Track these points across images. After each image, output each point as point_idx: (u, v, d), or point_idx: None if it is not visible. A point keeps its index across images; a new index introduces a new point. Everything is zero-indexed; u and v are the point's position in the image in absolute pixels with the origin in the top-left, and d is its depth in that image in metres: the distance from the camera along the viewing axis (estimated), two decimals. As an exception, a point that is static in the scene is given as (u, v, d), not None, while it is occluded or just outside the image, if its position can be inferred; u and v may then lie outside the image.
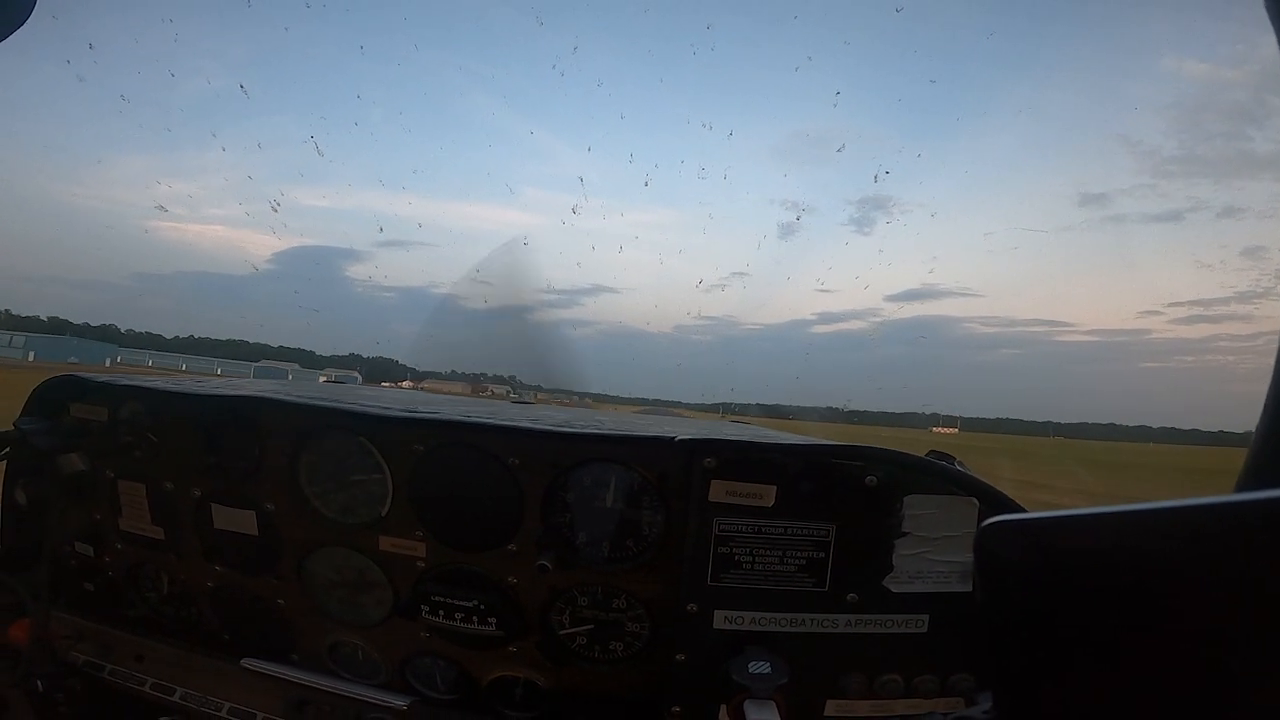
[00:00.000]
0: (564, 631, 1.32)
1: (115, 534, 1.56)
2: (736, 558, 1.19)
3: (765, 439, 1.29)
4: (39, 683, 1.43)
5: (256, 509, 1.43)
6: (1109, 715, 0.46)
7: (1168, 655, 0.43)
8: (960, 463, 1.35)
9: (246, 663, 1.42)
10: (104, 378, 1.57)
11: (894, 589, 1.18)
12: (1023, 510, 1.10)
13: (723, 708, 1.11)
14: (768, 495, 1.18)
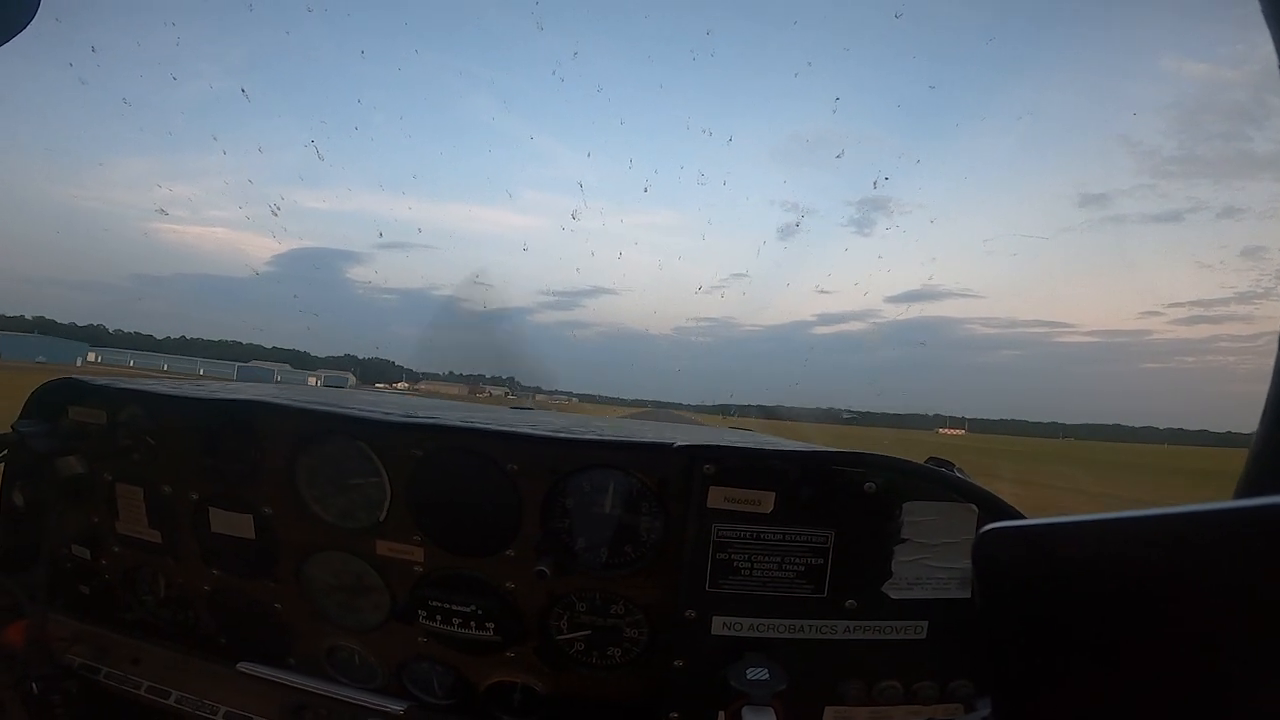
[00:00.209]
0: (562, 637, 1.32)
1: (112, 537, 1.56)
2: (735, 564, 1.19)
3: (764, 445, 1.29)
4: (35, 685, 1.42)
5: (254, 513, 1.43)
6: None
7: (1166, 661, 0.43)
8: (959, 469, 1.35)
9: (243, 666, 1.41)
10: (103, 381, 1.57)
11: (893, 595, 1.18)
12: (1021, 517, 1.10)
13: (721, 714, 1.11)
14: (766, 501, 1.18)
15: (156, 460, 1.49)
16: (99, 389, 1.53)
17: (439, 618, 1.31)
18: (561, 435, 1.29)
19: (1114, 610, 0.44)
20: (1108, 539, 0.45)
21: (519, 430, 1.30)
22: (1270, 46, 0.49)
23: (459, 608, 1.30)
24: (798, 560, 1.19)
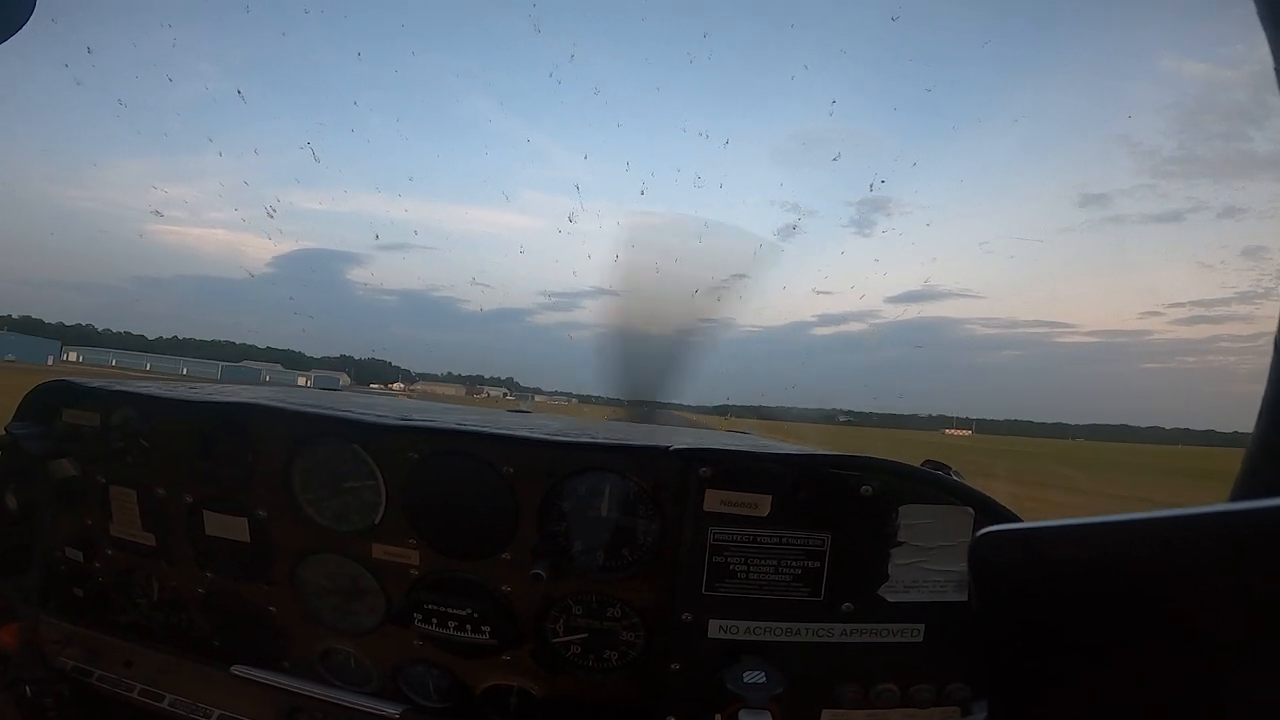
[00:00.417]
0: (558, 640, 1.31)
1: (106, 539, 1.55)
2: (732, 567, 1.19)
3: (761, 448, 1.29)
4: (27, 688, 1.41)
5: (249, 516, 1.42)
6: None
7: (1162, 664, 0.43)
8: (955, 471, 1.35)
9: (237, 670, 1.40)
10: (97, 383, 1.56)
11: (889, 598, 1.18)
12: (1018, 520, 1.10)
13: (717, 717, 1.11)
14: (763, 505, 1.18)
15: (150, 463, 1.49)
16: (92, 391, 1.53)
17: (434, 621, 1.30)
18: (558, 438, 1.28)
19: (1111, 613, 0.44)
20: (1104, 542, 0.45)
21: (515, 433, 1.29)
22: (1268, 47, 0.49)
23: (455, 611, 1.30)
24: (794, 563, 1.18)
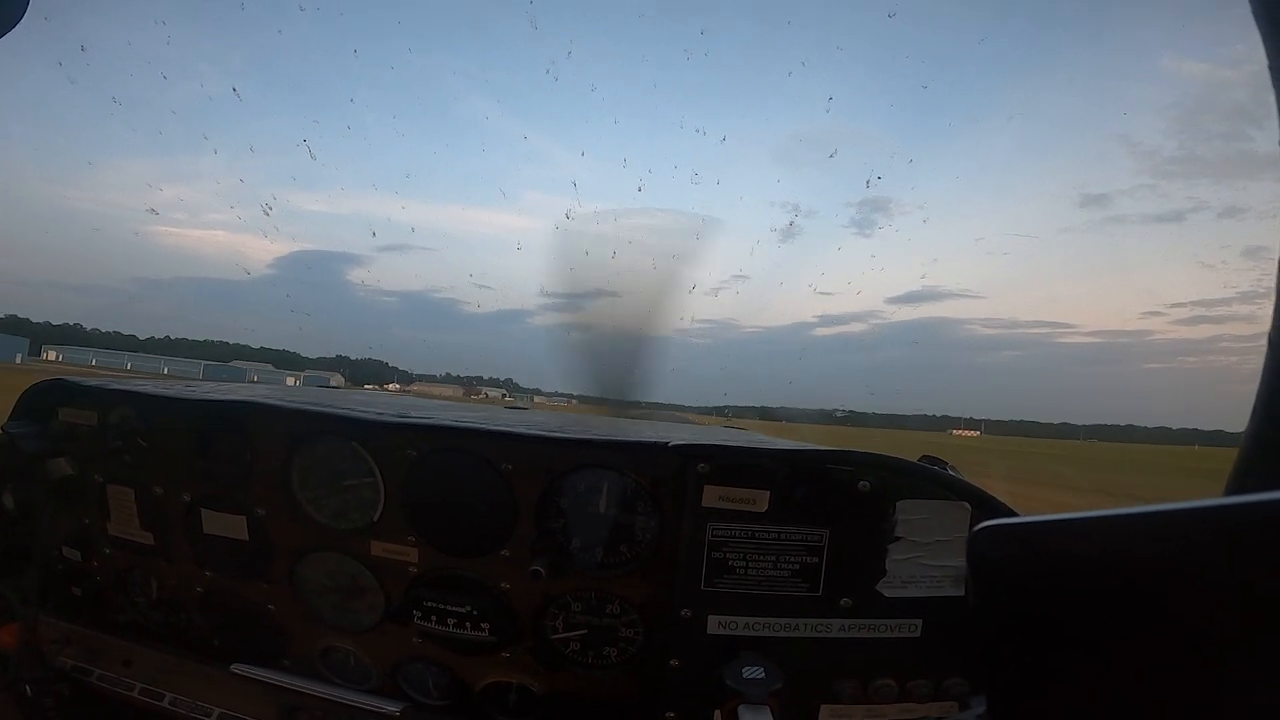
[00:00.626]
0: (557, 637, 1.32)
1: (104, 539, 1.55)
2: (730, 563, 1.19)
3: (758, 444, 1.30)
4: (27, 687, 1.41)
5: (247, 514, 1.42)
6: (1102, 718, 0.46)
7: (1160, 658, 0.43)
8: (952, 467, 1.36)
9: (237, 668, 1.41)
10: (93, 382, 1.56)
11: (887, 593, 1.19)
12: (1015, 514, 1.10)
13: (717, 713, 1.11)
14: (761, 500, 1.18)
15: (148, 461, 1.48)
16: (89, 390, 1.52)
17: (434, 618, 1.30)
18: (556, 435, 1.28)
19: (1108, 607, 0.44)
20: (1102, 536, 0.45)
21: (514, 430, 1.29)
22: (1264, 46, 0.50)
23: (454, 608, 1.30)
24: (792, 559, 1.19)
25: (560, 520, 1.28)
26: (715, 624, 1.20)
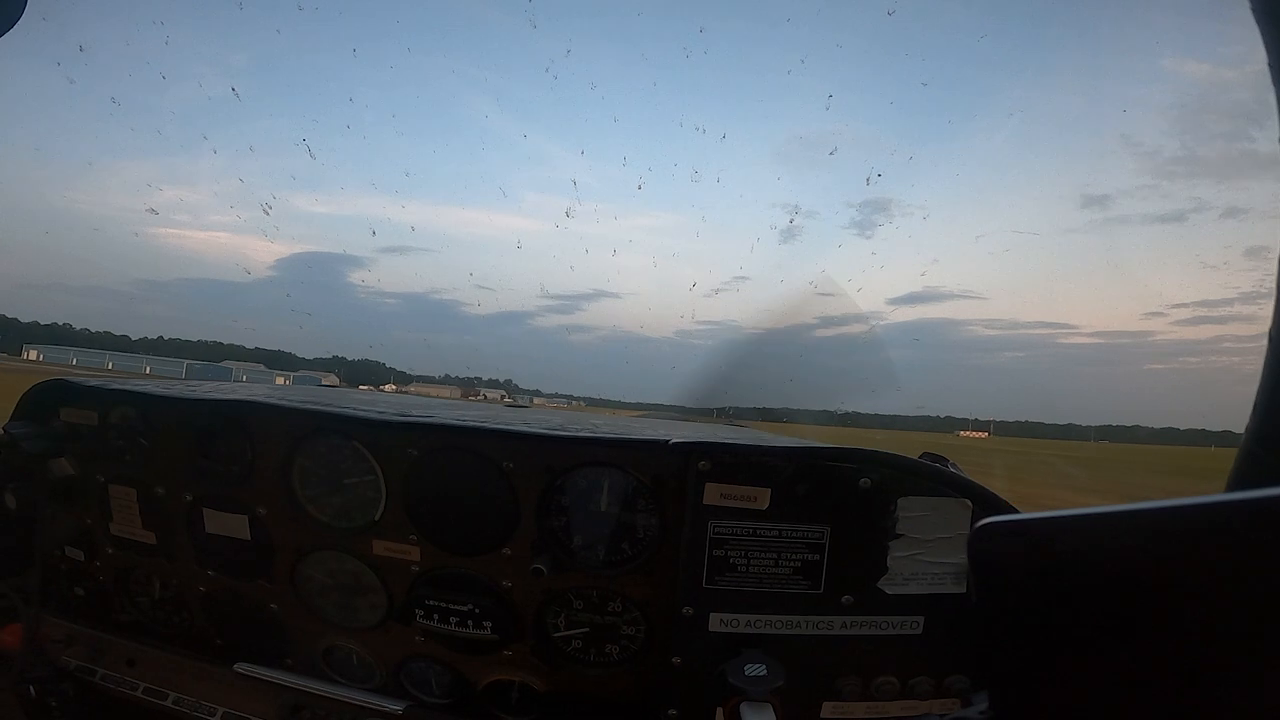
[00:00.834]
0: (559, 635, 1.32)
1: (106, 539, 1.55)
2: (731, 560, 1.19)
3: (759, 442, 1.30)
4: (31, 688, 1.42)
5: (249, 513, 1.42)
6: (1104, 714, 0.46)
7: (1161, 654, 0.43)
8: (953, 464, 1.36)
9: (240, 667, 1.41)
10: (95, 382, 1.56)
11: (889, 591, 1.19)
12: (1015, 511, 1.10)
13: (719, 710, 1.11)
14: (762, 498, 1.18)
15: (149, 461, 1.49)
16: (90, 390, 1.52)
17: (436, 617, 1.31)
18: (557, 433, 1.28)
19: (1110, 603, 0.44)
20: (1103, 532, 0.45)
21: (515, 428, 1.29)
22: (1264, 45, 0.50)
23: (456, 607, 1.30)
24: (794, 556, 1.19)
25: (562, 518, 1.29)
26: (717, 621, 1.20)
